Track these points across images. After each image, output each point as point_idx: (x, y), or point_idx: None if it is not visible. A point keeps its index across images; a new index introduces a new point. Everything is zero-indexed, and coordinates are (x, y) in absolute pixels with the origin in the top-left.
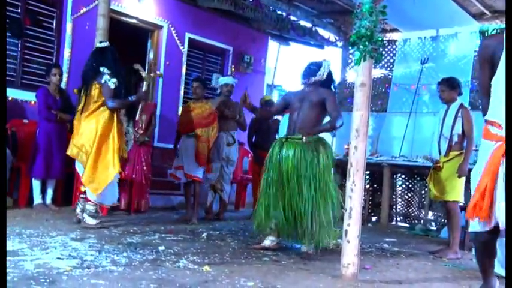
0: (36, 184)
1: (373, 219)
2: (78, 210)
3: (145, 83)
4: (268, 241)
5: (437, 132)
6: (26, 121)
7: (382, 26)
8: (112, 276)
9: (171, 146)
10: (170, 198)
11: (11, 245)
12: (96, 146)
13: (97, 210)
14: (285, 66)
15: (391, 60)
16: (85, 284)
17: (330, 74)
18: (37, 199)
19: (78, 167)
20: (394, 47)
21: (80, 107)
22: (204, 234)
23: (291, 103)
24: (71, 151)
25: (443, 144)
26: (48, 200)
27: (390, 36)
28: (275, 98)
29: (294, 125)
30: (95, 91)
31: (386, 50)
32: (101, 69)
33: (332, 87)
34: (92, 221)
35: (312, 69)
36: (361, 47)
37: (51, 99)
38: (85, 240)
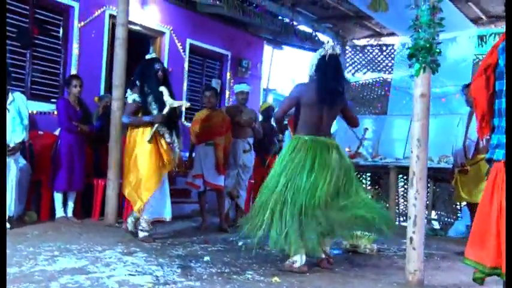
0: (58, 197)
1: None
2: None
3: (166, 108)
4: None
5: (461, 136)
6: (41, 133)
7: (438, 39)
8: None
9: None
10: (183, 207)
11: (72, 261)
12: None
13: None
14: (278, 70)
15: (389, 64)
16: None
17: None
18: (59, 212)
19: None
20: (393, 50)
21: None
22: (241, 243)
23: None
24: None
25: (470, 148)
26: (70, 213)
27: (385, 40)
28: (271, 102)
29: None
30: None
31: (384, 53)
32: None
33: None
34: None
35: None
36: (420, 58)
37: (71, 110)
38: (135, 254)
